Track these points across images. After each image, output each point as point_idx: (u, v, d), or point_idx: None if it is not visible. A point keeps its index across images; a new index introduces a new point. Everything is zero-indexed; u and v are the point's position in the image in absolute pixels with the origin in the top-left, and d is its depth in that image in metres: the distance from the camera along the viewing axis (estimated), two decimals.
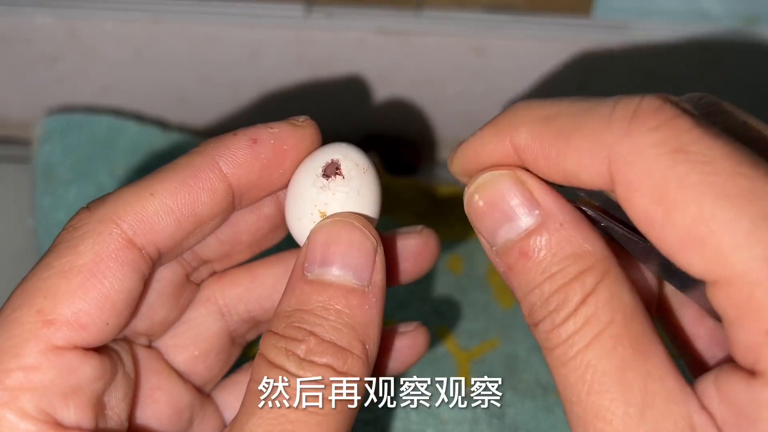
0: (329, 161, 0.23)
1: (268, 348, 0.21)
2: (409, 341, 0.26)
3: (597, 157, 0.18)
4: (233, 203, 0.23)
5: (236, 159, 0.22)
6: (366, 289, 0.21)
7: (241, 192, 0.23)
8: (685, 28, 0.37)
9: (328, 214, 0.23)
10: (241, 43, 0.38)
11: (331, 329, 0.21)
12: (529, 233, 0.20)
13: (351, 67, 0.39)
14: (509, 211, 0.20)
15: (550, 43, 0.38)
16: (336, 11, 0.37)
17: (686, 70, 0.39)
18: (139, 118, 0.40)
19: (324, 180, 0.23)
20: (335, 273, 0.21)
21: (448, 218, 0.38)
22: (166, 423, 0.25)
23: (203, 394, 0.26)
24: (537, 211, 0.20)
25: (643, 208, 0.18)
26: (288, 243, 0.26)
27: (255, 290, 0.26)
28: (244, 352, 0.28)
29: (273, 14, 0.37)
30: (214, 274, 0.26)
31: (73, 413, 0.20)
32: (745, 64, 0.38)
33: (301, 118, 0.24)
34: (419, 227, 0.25)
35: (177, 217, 0.22)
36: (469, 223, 0.38)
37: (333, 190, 0.23)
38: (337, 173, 0.23)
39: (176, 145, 0.38)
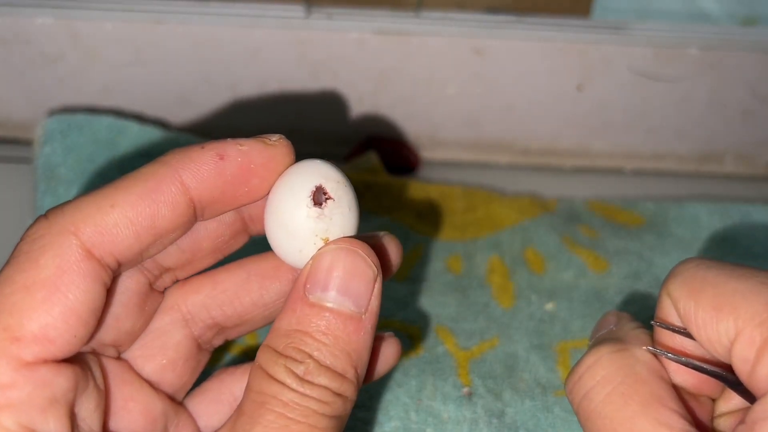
0: (314, 188, 0.23)
1: (268, 363, 0.22)
2: (381, 350, 0.26)
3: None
4: (195, 216, 0.23)
5: (200, 174, 0.22)
6: (363, 316, 0.23)
7: (203, 206, 0.23)
8: (684, 29, 0.38)
9: (331, 238, 0.23)
10: (242, 44, 0.38)
11: (329, 354, 0.22)
12: None
13: (351, 67, 0.39)
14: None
15: (549, 44, 0.38)
16: (336, 12, 0.37)
17: (685, 71, 0.39)
18: (140, 118, 0.40)
19: (318, 209, 0.23)
20: (336, 299, 0.22)
21: (448, 218, 0.38)
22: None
23: (175, 402, 0.26)
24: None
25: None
26: (250, 249, 0.27)
27: (218, 297, 0.26)
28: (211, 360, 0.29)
29: (273, 15, 0.37)
30: (177, 281, 0.26)
31: (52, 425, 0.21)
32: (744, 65, 0.39)
33: (275, 136, 0.23)
34: (382, 233, 0.26)
35: (136, 229, 0.22)
36: (468, 223, 0.38)
37: (329, 215, 0.23)
38: (327, 198, 0.23)
39: (177, 145, 0.38)
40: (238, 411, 0.22)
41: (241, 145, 0.23)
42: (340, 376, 0.22)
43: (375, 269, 0.23)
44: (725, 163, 0.43)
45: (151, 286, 0.25)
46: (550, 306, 0.35)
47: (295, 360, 0.22)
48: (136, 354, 0.26)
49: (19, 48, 0.38)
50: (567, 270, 0.36)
